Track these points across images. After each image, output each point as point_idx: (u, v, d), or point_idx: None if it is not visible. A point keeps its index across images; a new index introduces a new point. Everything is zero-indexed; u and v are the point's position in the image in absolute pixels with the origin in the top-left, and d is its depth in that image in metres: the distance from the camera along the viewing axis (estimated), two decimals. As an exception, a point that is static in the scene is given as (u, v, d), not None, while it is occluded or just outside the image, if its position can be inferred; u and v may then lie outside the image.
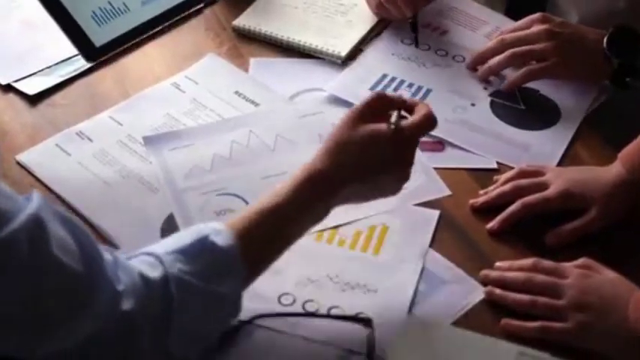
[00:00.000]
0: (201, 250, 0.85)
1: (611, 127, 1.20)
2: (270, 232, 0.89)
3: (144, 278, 0.81)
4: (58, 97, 1.22)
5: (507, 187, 1.08)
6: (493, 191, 1.08)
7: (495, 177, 1.11)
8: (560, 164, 1.15)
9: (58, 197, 1.07)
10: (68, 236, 0.76)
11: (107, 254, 0.81)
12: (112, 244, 1.00)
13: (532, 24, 1.23)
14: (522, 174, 1.09)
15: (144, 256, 0.84)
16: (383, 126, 0.92)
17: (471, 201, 1.08)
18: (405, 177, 0.96)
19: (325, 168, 0.91)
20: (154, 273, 0.82)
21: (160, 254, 0.83)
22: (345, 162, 0.91)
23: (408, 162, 0.96)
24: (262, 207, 0.89)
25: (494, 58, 1.24)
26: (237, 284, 0.85)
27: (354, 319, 0.91)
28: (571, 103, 1.23)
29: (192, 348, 0.84)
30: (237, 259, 0.85)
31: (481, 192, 1.09)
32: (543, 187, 1.06)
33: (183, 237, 0.86)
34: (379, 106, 0.95)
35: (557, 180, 1.07)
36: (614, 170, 1.06)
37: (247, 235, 0.87)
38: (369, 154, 0.92)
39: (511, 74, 1.24)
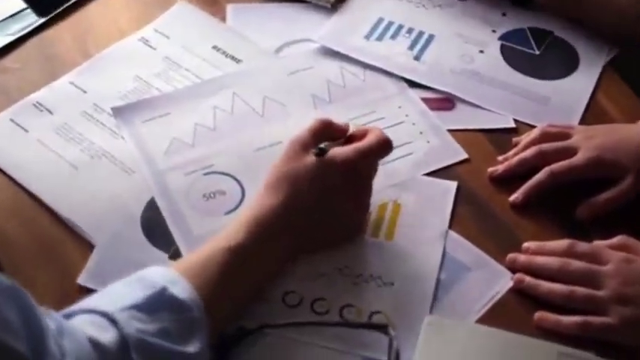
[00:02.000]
0: (160, 304, 0.72)
1: (635, 73, 1.08)
2: (230, 280, 0.77)
3: (94, 344, 0.67)
4: (7, 61, 1.06)
5: (530, 152, 0.95)
6: (513, 158, 0.95)
7: (515, 139, 0.98)
8: (583, 119, 1.02)
9: (17, 184, 0.92)
10: (12, 310, 0.61)
11: (51, 322, 0.66)
12: (86, 243, 0.87)
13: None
14: (545, 136, 0.96)
15: (87, 316, 0.70)
16: (343, 149, 0.85)
17: (490, 169, 0.95)
18: (364, 207, 0.88)
19: (276, 203, 0.81)
20: (106, 335, 0.67)
21: (110, 312, 0.69)
22: (293, 195, 0.82)
23: (362, 190, 0.87)
24: (214, 251, 0.77)
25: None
26: (205, 342, 0.72)
27: (371, 326, 0.80)
28: (590, 47, 1.11)
29: None
30: (202, 313, 0.73)
31: (500, 158, 0.96)
32: (571, 151, 0.94)
33: (131, 289, 0.73)
34: (325, 133, 0.85)
35: (586, 143, 0.94)
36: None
37: (205, 284, 0.75)
38: (317, 185, 0.83)
39: None
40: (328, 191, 0.84)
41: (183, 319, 0.72)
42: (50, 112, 1.00)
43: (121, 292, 0.73)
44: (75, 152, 0.95)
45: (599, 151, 0.93)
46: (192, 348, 0.71)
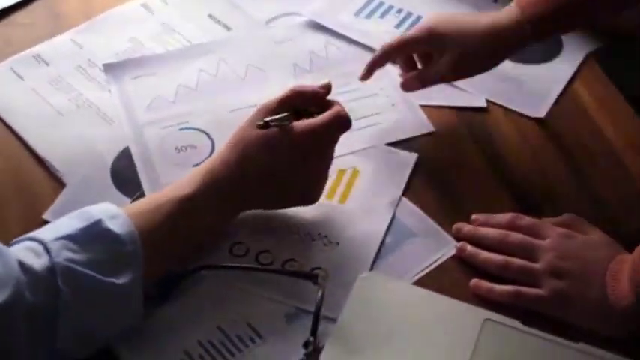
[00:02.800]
0: (93, 236, 0.76)
1: (616, 67, 1.09)
2: (173, 224, 0.80)
3: (24, 267, 0.71)
4: (18, 16, 1.13)
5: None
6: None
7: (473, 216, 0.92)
8: (557, 103, 1.04)
9: (5, 125, 0.99)
10: None
11: None
12: (59, 182, 0.93)
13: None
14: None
15: (28, 242, 0.74)
16: (296, 124, 0.86)
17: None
18: (319, 179, 0.89)
19: (232, 160, 0.84)
20: (38, 261, 0.72)
21: (46, 240, 0.74)
22: (249, 158, 0.84)
23: (316, 164, 0.88)
24: (163, 197, 0.82)
25: None
26: (137, 277, 0.76)
27: (303, 275, 0.83)
28: (575, 37, 1.12)
29: (84, 348, 0.75)
30: (136, 248, 0.76)
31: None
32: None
33: (72, 221, 0.77)
34: (293, 102, 0.87)
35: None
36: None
37: (146, 224, 0.78)
38: (265, 156, 0.84)
39: None
40: (277, 163, 0.85)
41: (116, 251, 0.76)
42: (47, 63, 1.07)
43: (62, 223, 0.77)
44: (63, 100, 1.02)
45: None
46: (121, 280, 0.75)
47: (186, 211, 0.82)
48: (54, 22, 1.12)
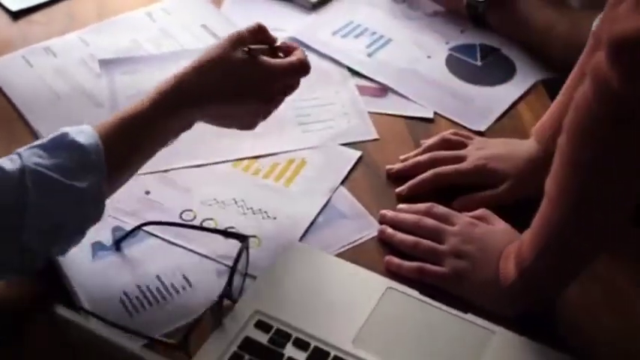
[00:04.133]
0: (60, 144, 0.85)
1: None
2: (133, 135, 0.90)
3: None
4: (38, 16, 1.30)
5: (425, 157, 1.07)
6: (410, 160, 1.08)
7: (422, 141, 1.11)
8: (498, 121, 1.15)
9: (9, 102, 1.15)
10: None
11: None
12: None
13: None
14: (444, 142, 1.09)
15: (8, 155, 0.86)
16: (266, 59, 0.96)
17: (387, 167, 1.07)
18: (263, 112, 0.99)
19: (191, 79, 0.93)
20: (10, 165, 0.83)
21: (20, 150, 0.85)
22: (210, 78, 0.93)
23: (267, 97, 0.98)
24: (126, 111, 0.91)
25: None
26: (98, 182, 0.87)
27: (230, 234, 0.95)
28: (529, 66, 1.23)
29: (50, 244, 0.85)
30: (99, 157, 0.86)
31: (401, 157, 1.09)
32: (461, 160, 1.06)
33: (47, 137, 0.88)
34: (259, 37, 0.98)
35: (477, 153, 1.06)
36: (527, 146, 1.05)
37: (109, 136, 0.88)
38: (232, 77, 0.94)
39: None
40: (242, 87, 0.94)
41: (79, 159, 0.85)
42: (55, 55, 1.22)
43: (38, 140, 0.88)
44: (63, 86, 1.17)
45: (484, 160, 1.05)
46: (83, 184, 0.84)
47: (139, 123, 0.90)
48: (67, 22, 1.29)
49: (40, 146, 0.86)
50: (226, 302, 0.89)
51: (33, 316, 0.85)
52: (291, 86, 1.00)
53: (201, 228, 0.97)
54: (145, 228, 0.98)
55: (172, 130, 0.94)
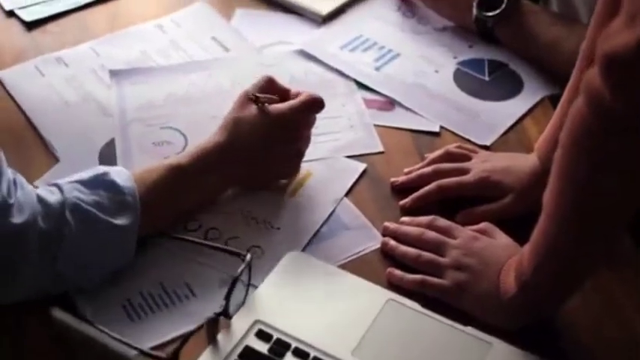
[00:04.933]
0: (100, 183, 0.92)
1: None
2: (168, 186, 0.96)
3: (41, 199, 0.88)
4: (51, 26, 1.31)
5: (428, 169, 1.08)
6: (414, 172, 1.08)
7: (426, 154, 1.11)
8: (504, 135, 1.16)
9: (20, 110, 1.16)
10: None
11: (9, 172, 0.89)
12: (52, 156, 1.09)
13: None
14: (448, 155, 1.10)
15: (46, 186, 0.92)
16: (276, 105, 1.03)
17: (392, 179, 1.08)
18: (296, 153, 1.05)
19: (222, 140, 1.00)
20: (52, 197, 0.89)
21: (61, 183, 0.91)
22: (237, 136, 1.00)
23: (296, 140, 1.04)
24: (164, 163, 0.97)
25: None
26: (132, 221, 0.91)
27: (231, 252, 0.96)
28: (537, 82, 1.23)
29: (82, 273, 0.90)
30: (134, 198, 0.92)
31: (405, 170, 1.09)
32: (464, 172, 1.06)
33: (86, 172, 0.94)
34: (268, 89, 1.04)
35: (480, 166, 1.07)
36: (530, 160, 1.05)
37: (146, 182, 0.94)
38: (257, 131, 1.01)
39: None
40: (267, 137, 1.01)
41: (117, 198, 0.92)
42: (66, 65, 1.24)
43: (78, 174, 0.94)
44: (72, 94, 1.19)
45: (488, 172, 1.05)
46: (119, 221, 0.91)
47: (177, 177, 0.97)
48: (80, 33, 1.30)
49: (80, 182, 0.92)
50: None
51: (31, 316, 0.88)
52: (308, 122, 1.05)
53: (203, 244, 0.98)
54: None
55: (204, 189, 1.00)
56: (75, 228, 0.89)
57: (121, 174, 0.94)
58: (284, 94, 1.06)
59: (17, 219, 0.86)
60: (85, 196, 0.91)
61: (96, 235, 0.90)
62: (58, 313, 0.74)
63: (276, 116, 1.02)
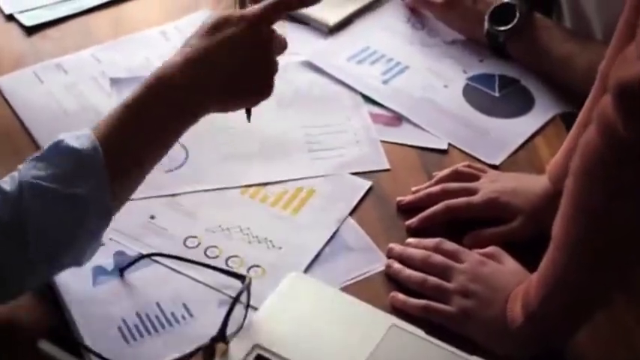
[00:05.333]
0: (55, 154, 0.84)
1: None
2: (132, 130, 0.86)
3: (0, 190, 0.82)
4: (52, 31, 1.28)
5: (436, 188, 1.05)
6: (422, 191, 1.05)
7: (435, 173, 1.08)
8: (514, 154, 1.13)
9: (17, 118, 1.13)
10: None
11: None
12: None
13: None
14: (457, 175, 1.06)
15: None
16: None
17: (398, 198, 1.05)
18: (271, 69, 0.95)
19: (178, 60, 0.90)
20: (10, 184, 0.83)
21: (20, 167, 0.84)
22: (200, 49, 0.90)
23: (267, 54, 0.94)
24: (124, 104, 0.87)
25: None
26: (99, 185, 0.83)
27: (231, 273, 0.93)
28: (549, 99, 1.20)
29: (59, 256, 0.83)
30: (96, 160, 0.83)
31: (413, 189, 1.06)
32: (472, 192, 1.03)
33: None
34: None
35: (489, 186, 1.04)
36: (541, 182, 1.02)
37: (105, 138, 0.84)
38: (226, 42, 0.90)
39: None
40: (235, 49, 0.90)
41: (77, 165, 0.83)
42: (66, 72, 1.21)
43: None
44: (72, 103, 1.16)
45: (497, 193, 1.02)
46: (81, 190, 0.82)
47: (135, 113, 0.87)
48: (81, 39, 1.27)
49: (37, 158, 0.84)
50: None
51: (16, 348, 0.84)
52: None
53: (202, 264, 0.94)
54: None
55: (174, 122, 0.89)
56: (36, 209, 0.81)
57: (80, 137, 0.84)
58: None
59: None
60: (42, 171, 0.82)
61: (61, 210, 0.82)
62: (46, 346, 0.71)
63: (245, 19, 0.90)
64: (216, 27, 0.91)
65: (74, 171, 0.83)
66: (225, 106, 0.94)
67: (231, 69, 0.90)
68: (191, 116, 0.90)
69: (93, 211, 0.84)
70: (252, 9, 0.92)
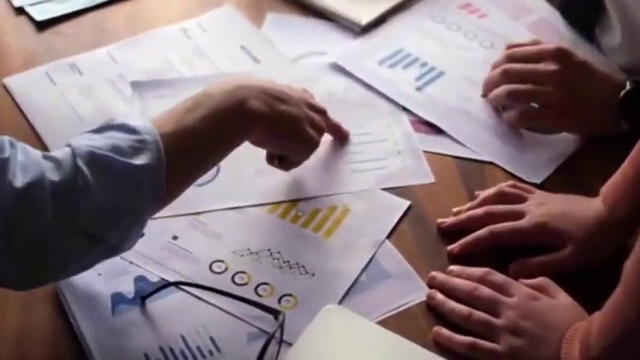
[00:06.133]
0: (111, 127, 0.82)
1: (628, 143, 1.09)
2: (188, 127, 0.85)
3: (47, 156, 0.78)
4: (65, 27, 1.21)
5: (480, 211, 0.97)
6: (464, 214, 0.98)
7: (477, 192, 1.01)
8: (558, 173, 1.05)
9: (28, 123, 1.06)
10: None
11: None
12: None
13: (544, 56, 1.07)
14: (500, 196, 0.99)
15: None
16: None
17: (439, 220, 0.98)
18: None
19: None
20: (60, 152, 0.79)
21: (70, 141, 0.81)
22: None
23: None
24: (183, 105, 0.87)
25: (495, 91, 1.10)
26: (156, 160, 0.80)
27: (265, 307, 0.86)
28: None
29: (105, 227, 0.79)
30: (153, 136, 0.81)
31: (454, 210, 0.99)
32: (519, 216, 0.96)
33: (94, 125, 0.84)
34: None
35: (537, 209, 0.96)
36: (594, 206, 0.94)
37: (164, 124, 0.84)
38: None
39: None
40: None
41: (133, 139, 0.81)
42: (81, 73, 1.13)
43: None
44: (87, 108, 1.09)
45: (546, 217, 0.95)
46: (139, 161, 0.79)
47: (198, 112, 0.86)
48: (97, 35, 1.19)
49: (90, 131, 0.81)
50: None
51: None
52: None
53: (233, 296, 0.87)
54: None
55: (227, 139, 0.89)
56: (91, 176, 0.77)
57: (136, 119, 0.84)
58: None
59: (19, 180, 0.74)
60: (97, 142, 0.80)
61: (115, 181, 0.79)
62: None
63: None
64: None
65: (132, 145, 0.80)
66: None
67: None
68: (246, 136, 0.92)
69: (147, 188, 0.80)
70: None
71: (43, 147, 1.03)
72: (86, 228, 0.77)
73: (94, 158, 0.78)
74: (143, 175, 0.80)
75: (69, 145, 0.80)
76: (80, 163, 0.77)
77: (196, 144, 0.86)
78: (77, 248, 0.78)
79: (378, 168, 1.04)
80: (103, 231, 0.79)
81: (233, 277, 0.91)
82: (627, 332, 0.75)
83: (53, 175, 0.76)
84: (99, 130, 0.82)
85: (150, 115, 1.05)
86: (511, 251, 0.95)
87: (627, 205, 0.91)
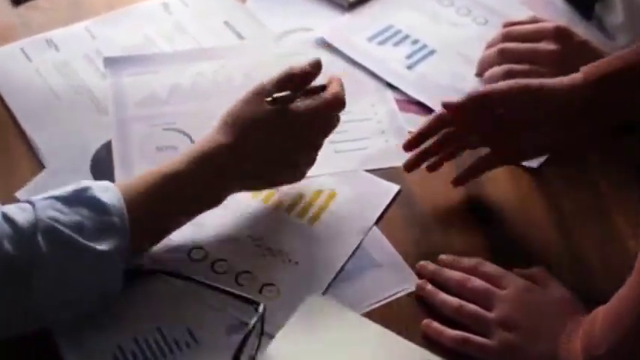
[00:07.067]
0: (81, 200, 0.77)
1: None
2: (162, 198, 0.82)
3: (7, 218, 0.73)
4: (42, 1, 1.16)
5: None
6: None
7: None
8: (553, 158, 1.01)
9: (2, 102, 1.01)
10: None
11: None
12: (38, 161, 0.95)
13: (543, 35, 1.04)
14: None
15: (17, 203, 0.77)
16: (294, 105, 0.87)
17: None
18: (307, 161, 0.90)
19: (227, 142, 0.85)
20: (22, 215, 0.74)
21: (35, 200, 0.76)
22: (246, 139, 0.85)
23: (306, 144, 0.89)
24: (151, 174, 0.82)
25: (490, 71, 1.06)
26: (118, 246, 0.77)
27: (244, 299, 0.81)
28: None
29: (60, 310, 0.77)
30: (122, 221, 0.77)
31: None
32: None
33: (65, 188, 0.79)
34: (288, 84, 0.87)
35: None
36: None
37: (134, 200, 0.80)
38: (269, 132, 0.86)
39: None
40: (278, 140, 0.86)
41: (101, 220, 0.77)
42: (57, 48, 1.09)
43: (57, 190, 0.79)
44: (63, 85, 1.04)
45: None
46: (102, 247, 0.76)
47: (173, 185, 0.82)
48: (74, 10, 1.15)
49: (58, 198, 0.77)
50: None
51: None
52: (329, 125, 0.90)
53: (213, 287, 0.83)
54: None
55: (204, 200, 0.85)
56: (49, 254, 0.74)
57: (107, 191, 0.79)
58: (311, 80, 0.90)
59: None
60: (63, 215, 0.76)
61: (75, 263, 0.75)
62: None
63: (296, 117, 0.87)
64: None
65: (98, 226, 0.76)
66: (256, 181, 0.90)
67: (269, 144, 0.87)
68: (228, 194, 0.88)
69: (104, 273, 0.77)
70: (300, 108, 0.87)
71: (17, 127, 0.98)
72: (37, 309, 0.75)
73: (55, 236, 0.75)
74: (104, 261, 0.76)
75: (32, 205, 0.76)
76: (40, 238, 0.74)
77: (167, 224, 0.84)
78: (25, 321, 0.76)
79: (360, 148, 1.00)
80: (54, 313, 0.77)
81: (212, 265, 0.87)
82: (638, 325, 0.71)
83: (9, 245, 0.73)
84: (68, 201, 0.77)
85: (122, 89, 1.03)
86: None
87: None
